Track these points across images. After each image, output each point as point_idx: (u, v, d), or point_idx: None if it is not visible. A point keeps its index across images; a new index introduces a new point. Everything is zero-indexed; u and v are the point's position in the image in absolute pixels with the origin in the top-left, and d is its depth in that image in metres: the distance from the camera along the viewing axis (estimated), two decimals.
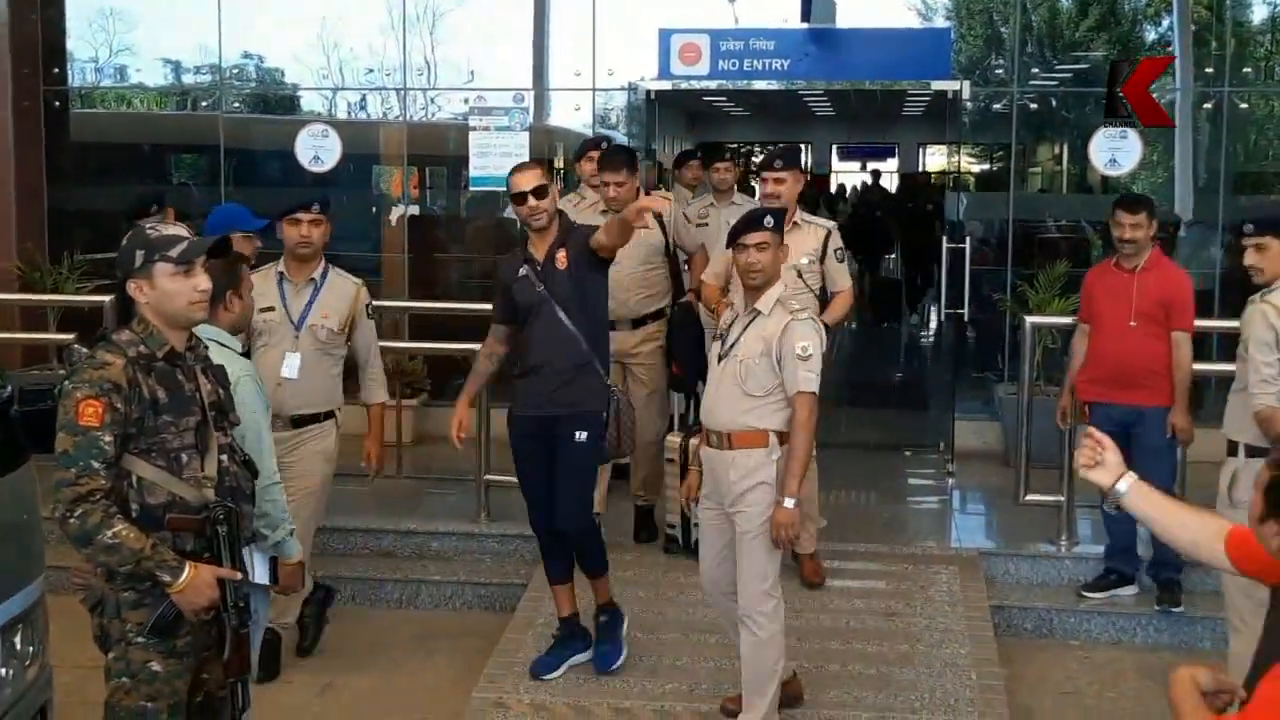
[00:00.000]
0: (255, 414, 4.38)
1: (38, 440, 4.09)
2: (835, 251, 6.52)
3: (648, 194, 6.59)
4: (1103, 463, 3.22)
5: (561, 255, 5.57)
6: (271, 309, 5.95)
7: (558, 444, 5.60)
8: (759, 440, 5.00)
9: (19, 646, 4.13)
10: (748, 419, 5.00)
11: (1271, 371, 5.15)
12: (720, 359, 5.11)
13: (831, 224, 6.63)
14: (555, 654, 5.83)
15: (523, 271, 5.63)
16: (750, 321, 5.06)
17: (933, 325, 14.48)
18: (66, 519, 3.54)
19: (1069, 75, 10.28)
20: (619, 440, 5.68)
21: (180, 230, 3.80)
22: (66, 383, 3.63)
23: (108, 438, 3.55)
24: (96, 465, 3.54)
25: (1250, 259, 5.31)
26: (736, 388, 5.01)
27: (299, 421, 5.89)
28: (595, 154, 7.74)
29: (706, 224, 7.87)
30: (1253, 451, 5.14)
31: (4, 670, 4.03)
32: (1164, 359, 6.37)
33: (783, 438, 5.00)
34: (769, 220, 5.06)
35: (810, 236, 6.49)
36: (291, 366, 5.89)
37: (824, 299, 6.53)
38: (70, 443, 3.55)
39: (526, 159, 9.33)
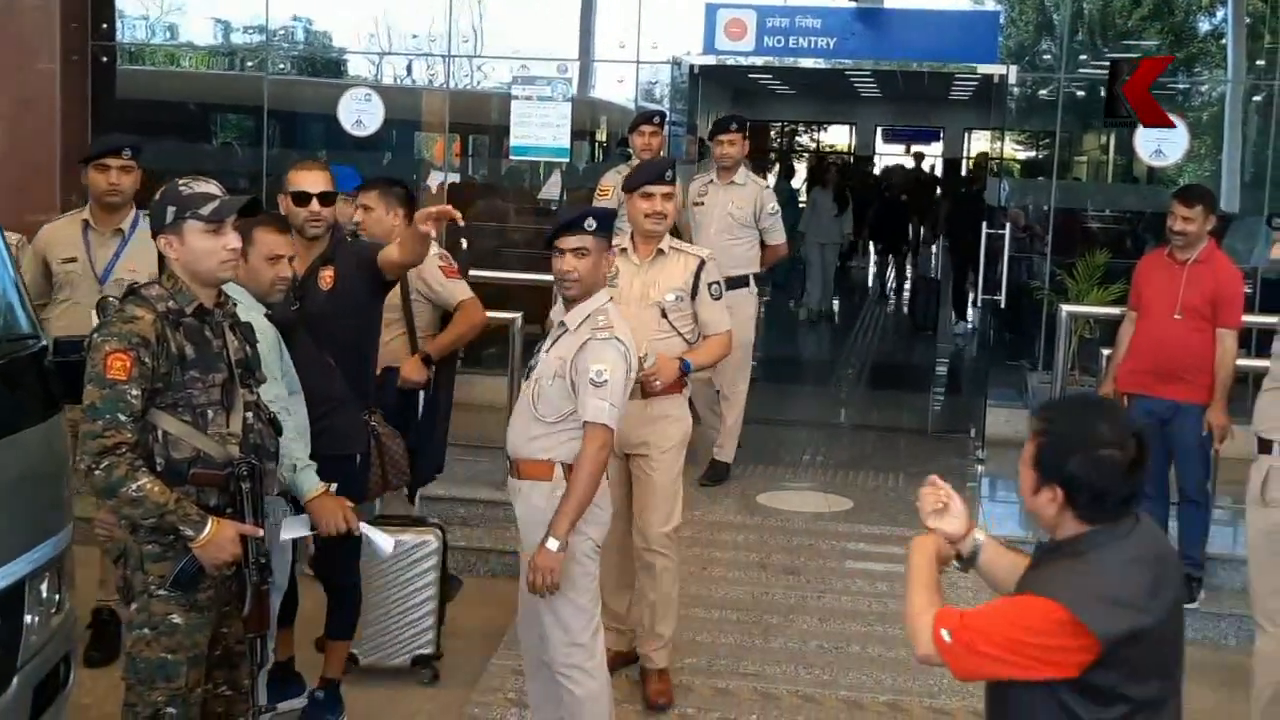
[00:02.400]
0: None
1: (69, 391, 4.15)
2: (710, 287, 5.39)
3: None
4: (949, 510, 3.14)
5: (327, 273, 4.92)
6: (74, 259, 5.62)
7: None
8: (543, 472, 4.43)
9: (45, 595, 4.17)
10: (534, 446, 4.45)
11: None
12: (527, 375, 4.60)
13: (705, 252, 5.54)
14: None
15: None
16: (557, 337, 4.50)
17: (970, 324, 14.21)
18: (92, 471, 3.59)
19: None
20: (384, 478, 5.24)
21: (212, 188, 3.82)
22: (96, 335, 3.68)
23: (135, 391, 3.59)
24: (123, 418, 3.58)
25: (1277, 253, 5.25)
26: (529, 410, 4.46)
27: None
28: (647, 128, 7.73)
29: (702, 204, 7.59)
30: None
31: (30, 618, 4.07)
32: (1206, 354, 6.30)
33: (570, 471, 4.39)
34: (590, 222, 4.43)
35: (677, 269, 5.39)
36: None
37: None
38: (98, 395, 3.59)
39: (567, 130, 9.44)
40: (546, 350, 4.52)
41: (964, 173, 20.33)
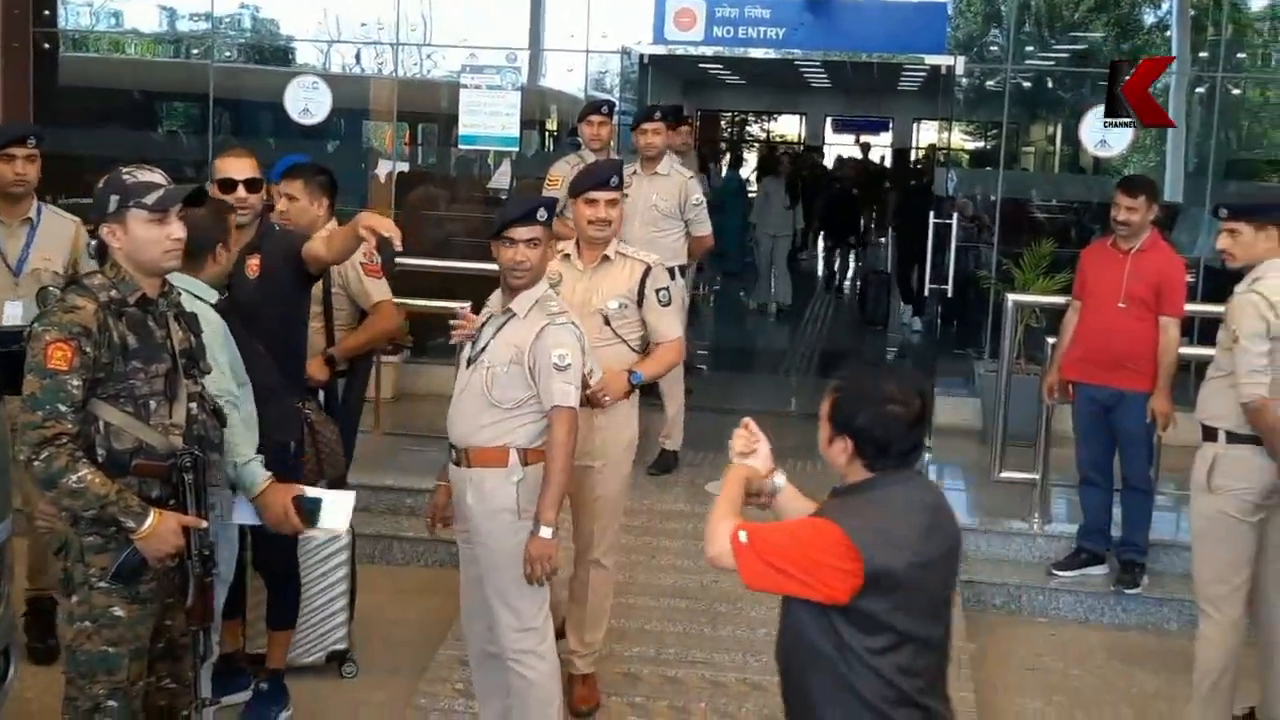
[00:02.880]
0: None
1: (9, 382, 4.09)
2: (658, 293, 5.24)
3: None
4: (757, 453, 3.44)
5: (253, 261, 4.83)
6: None
7: None
8: (498, 458, 4.42)
9: None
10: (486, 433, 4.43)
11: (1263, 362, 4.99)
12: (469, 364, 4.54)
13: (653, 258, 5.35)
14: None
15: None
16: (503, 324, 4.49)
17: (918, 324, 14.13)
18: (32, 461, 3.54)
19: (1065, 55, 10.23)
20: (320, 465, 5.13)
21: (157, 177, 3.77)
22: (37, 325, 3.63)
23: (75, 382, 3.54)
24: (64, 409, 3.54)
25: (1223, 243, 5.28)
26: (481, 397, 4.42)
27: None
28: (596, 118, 7.69)
29: (627, 195, 7.49)
30: (1234, 438, 5.11)
31: None
32: (1150, 342, 6.35)
33: (527, 456, 4.43)
34: (542, 213, 4.44)
35: (622, 275, 5.25)
36: (14, 315, 5.31)
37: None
38: (38, 385, 3.54)
39: (516, 119, 9.42)
40: (492, 337, 4.49)
41: (913, 163, 20.40)
